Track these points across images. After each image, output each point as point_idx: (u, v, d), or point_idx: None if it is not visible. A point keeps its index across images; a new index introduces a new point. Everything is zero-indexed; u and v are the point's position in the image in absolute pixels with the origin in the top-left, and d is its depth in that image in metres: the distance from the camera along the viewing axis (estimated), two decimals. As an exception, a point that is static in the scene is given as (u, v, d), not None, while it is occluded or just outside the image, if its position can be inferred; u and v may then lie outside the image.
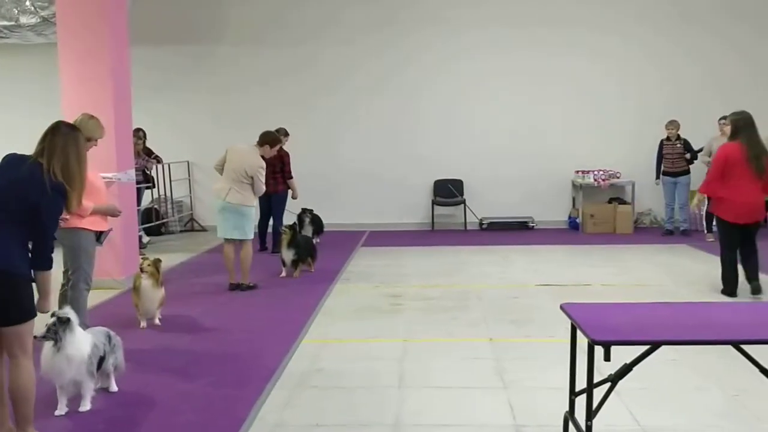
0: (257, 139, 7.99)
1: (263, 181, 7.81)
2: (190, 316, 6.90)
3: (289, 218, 10.30)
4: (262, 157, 7.83)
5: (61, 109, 7.74)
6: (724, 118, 10.15)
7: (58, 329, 4.26)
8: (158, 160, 11.66)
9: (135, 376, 5.06)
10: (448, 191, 12.61)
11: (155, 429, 4.21)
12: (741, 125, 7.10)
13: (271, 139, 8.01)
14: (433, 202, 12.61)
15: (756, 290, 7.15)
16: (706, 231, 10.94)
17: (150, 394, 4.76)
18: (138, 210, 10.18)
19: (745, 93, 11.76)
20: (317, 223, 10.98)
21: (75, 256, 5.58)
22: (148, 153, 11.39)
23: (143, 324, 6.45)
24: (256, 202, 8.04)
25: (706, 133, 11.09)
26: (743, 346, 2.93)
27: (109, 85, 7.97)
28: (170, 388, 4.88)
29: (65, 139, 3.91)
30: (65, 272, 5.71)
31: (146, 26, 11.98)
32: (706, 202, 7.58)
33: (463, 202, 12.53)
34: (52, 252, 3.81)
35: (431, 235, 12.08)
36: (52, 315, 4.27)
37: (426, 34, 12.55)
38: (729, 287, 7.28)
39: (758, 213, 7.12)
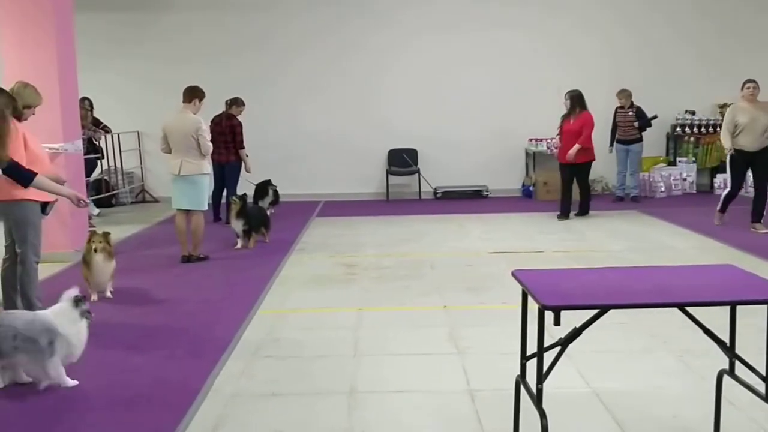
0: (183, 99, 7.78)
1: (207, 137, 7.68)
2: (143, 288, 6.81)
3: (248, 189, 10.16)
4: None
5: (3, 77, 7.47)
6: (750, 81, 8.92)
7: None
8: (106, 131, 11.37)
9: (86, 350, 4.96)
10: (402, 161, 12.60)
11: (107, 403, 4.16)
12: (576, 100, 9.97)
13: (198, 92, 7.77)
14: (388, 172, 12.59)
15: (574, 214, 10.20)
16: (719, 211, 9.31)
17: (101, 368, 4.69)
18: (87, 181, 9.96)
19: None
20: (275, 193, 10.87)
21: (21, 229, 5.34)
22: (96, 123, 11.10)
23: (94, 297, 6.34)
24: (210, 169, 7.92)
25: (648, 102, 11.44)
26: (688, 308, 3.01)
27: (52, 52, 7.70)
28: (122, 362, 4.82)
29: None
30: (8, 246, 5.54)
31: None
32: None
33: (418, 171, 12.54)
34: None
35: (386, 205, 12.09)
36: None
37: (384, 6, 12.44)
38: (564, 213, 10.03)
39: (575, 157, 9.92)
